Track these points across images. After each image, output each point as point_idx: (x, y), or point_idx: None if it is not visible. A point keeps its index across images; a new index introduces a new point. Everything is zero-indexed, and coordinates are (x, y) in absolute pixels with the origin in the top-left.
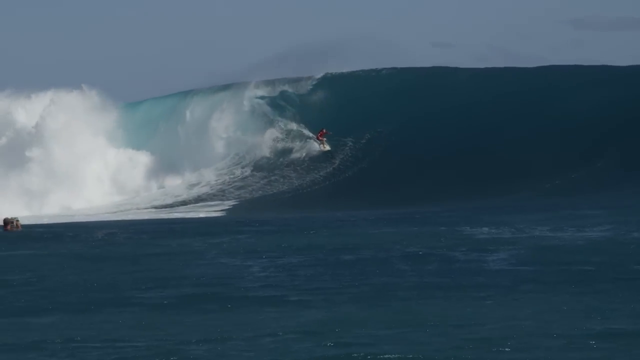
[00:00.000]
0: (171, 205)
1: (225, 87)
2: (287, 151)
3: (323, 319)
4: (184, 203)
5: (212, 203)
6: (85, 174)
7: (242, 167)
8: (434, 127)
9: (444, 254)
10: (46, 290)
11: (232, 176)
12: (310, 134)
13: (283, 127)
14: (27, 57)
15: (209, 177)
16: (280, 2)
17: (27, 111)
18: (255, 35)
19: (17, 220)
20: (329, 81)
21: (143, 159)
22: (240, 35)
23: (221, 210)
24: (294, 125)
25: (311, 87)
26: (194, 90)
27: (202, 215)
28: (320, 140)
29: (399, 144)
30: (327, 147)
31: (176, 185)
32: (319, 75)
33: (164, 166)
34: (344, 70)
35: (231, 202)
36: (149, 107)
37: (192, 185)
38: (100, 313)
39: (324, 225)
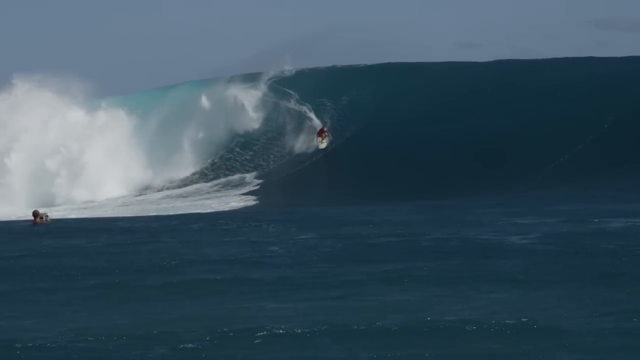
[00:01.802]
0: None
1: (231, 79)
2: (291, 144)
3: None
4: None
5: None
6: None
7: (244, 162)
8: (440, 122)
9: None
10: None
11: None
12: (318, 124)
13: (287, 119)
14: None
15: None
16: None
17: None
18: (260, 27)
19: (47, 216)
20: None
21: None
22: (245, 26)
23: (252, 199)
24: (298, 118)
25: (318, 78)
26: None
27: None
28: (319, 137)
29: (406, 138)
30: (324, 145)
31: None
32: (324, 65)
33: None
34: (352, 64)
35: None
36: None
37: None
38: None
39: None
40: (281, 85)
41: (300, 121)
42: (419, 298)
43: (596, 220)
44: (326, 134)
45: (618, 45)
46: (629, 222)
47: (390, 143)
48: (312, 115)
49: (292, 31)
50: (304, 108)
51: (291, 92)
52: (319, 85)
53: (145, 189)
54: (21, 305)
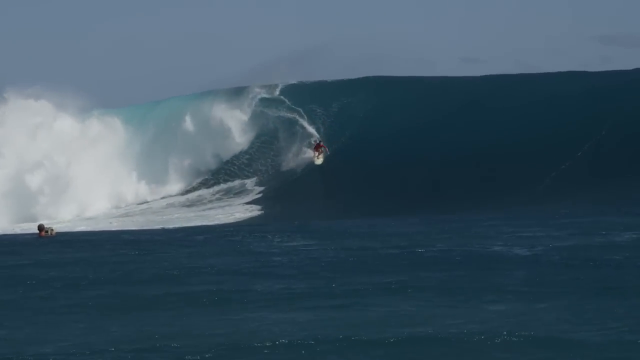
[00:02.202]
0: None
1: (230, 91)
2: (291, 157)
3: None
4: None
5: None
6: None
7: (246, 174)
8: (441, 133)
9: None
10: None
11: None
12: (316, 138)
13: (288, 132)
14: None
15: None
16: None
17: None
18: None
19: (52, 229)
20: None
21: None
22: (252, 37)
23: (256, 210)
24: (298, 130)
25: (323, 90)
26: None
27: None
28: (316, 152)
29: (406, 150)
30: (320, 161)
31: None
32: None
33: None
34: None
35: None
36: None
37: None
38: None
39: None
40: (280, 96)
41: (298, 131)
42: (422, 309)
43: (603, 233)
44: (322, 148)
45: (622, 60)
46: (634, 234)
47: (390, 155)
48: (310, 129)
49: (294, 43)
50: (302, 120)
51: (289, 103)
52: (319, 97)
53: (142, 201)
54: (21, 315)
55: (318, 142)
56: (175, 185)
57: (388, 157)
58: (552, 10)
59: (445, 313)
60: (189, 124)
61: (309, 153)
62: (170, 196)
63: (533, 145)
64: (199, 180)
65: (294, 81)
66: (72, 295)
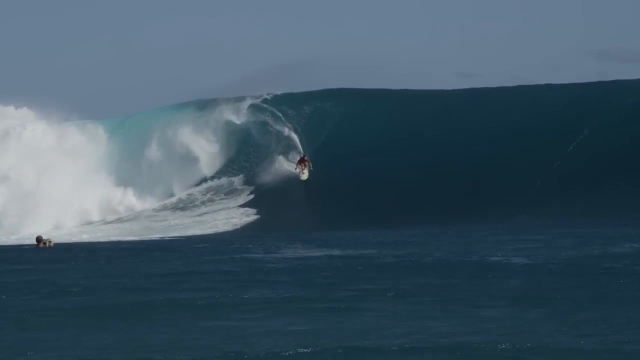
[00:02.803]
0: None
1: (209, 103)
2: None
3: None
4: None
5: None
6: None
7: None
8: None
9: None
10: None
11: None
12: (301, 152)
13: (273, 141)
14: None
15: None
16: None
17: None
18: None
19: (50, 241)
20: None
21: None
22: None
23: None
24: (282, 140)
25: (308, 101)
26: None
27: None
28: (299, 166)
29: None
30: (305, 176)
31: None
32: (316, 89)
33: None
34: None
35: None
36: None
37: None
38: None
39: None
40: (269, 107)
41: (284, 142)
42: (418, 316)
43: (601, 242)
44: (306, 163)
45: (618, 75)
46: (634, 246)
47: (379, 166)
48: (295, 141)
49: (288, 54)
50: (289, 132)
51: (277, 114)
52: (305, 107)
53: (129, 209)
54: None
55: (302, 156)
56: (160, 194)
57: (377, 168)
58: (548, 25)
59: (441, 321)
60: (169, 135)
61: (292, 165)
62: (160, 205)
63: (519, 156)
64: (185, 189)
65: (278, 93)
66: (63, 302)
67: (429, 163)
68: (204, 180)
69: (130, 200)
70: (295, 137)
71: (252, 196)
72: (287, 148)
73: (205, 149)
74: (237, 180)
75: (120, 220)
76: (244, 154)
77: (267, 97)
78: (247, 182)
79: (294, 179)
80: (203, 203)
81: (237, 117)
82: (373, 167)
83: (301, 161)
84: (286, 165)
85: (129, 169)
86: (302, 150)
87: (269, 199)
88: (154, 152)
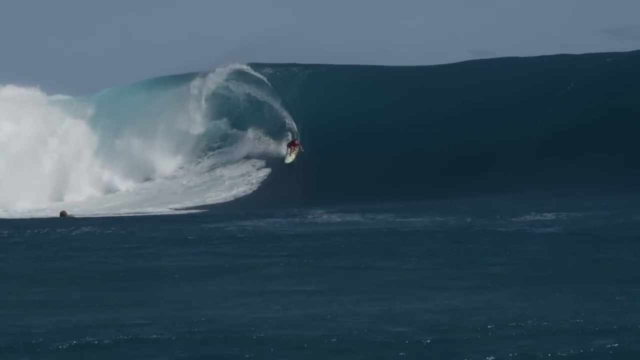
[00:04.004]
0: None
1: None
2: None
3: None
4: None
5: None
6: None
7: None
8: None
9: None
10: None
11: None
12: (292, 135)
13: (257, 116)
14: None
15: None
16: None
17: None
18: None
19: (73, 216)
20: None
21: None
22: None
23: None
24: (267, 114)
25: (296, 75)
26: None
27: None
28: (289, 149)
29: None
30: (291, 159)
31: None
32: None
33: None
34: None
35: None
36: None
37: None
38: None
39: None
40: (254, 77)
41: (266, 115)
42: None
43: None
44: (297, 147)
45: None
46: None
47: (377, 143)
48: (285, 117)
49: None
50: (278, 106)
51: (266, 87)
52: (300, 82)
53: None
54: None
55: (293, 139)
56: (142, 173)
57: (371, 146)
58: (559, 3)
59: (452, 280)
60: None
61: (273, 141)
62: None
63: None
64: (179, 163)
65: (271, 66)
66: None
67: (409, 140)
68: (192, 155)
69: (112, 179)
70: (284, 112)
71: (239, 171)
72: (274, 122)
73: (190, 122)
74: (221, 155)
75: (108, 199)
76: (226, 127)
77: (249, 68)
78: (232, 158)
79: (282, 156)
80: (191, 178)
81: (214, 88)
82: (365, 146)
83: (291, 144)
84: (271, 141)
85: (108, 148)
86: (294, 134)
87: (258, 173)
88: (131, 130)
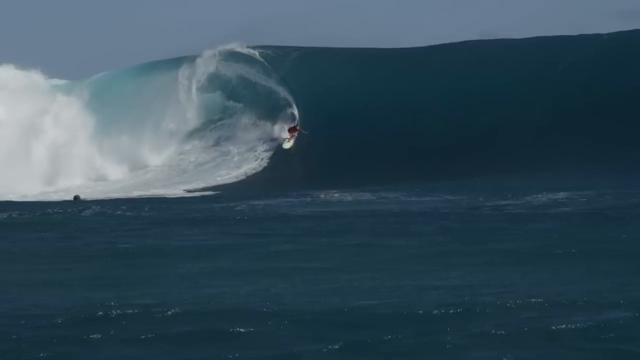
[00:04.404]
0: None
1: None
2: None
3: None
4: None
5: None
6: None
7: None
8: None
9: None
10: None
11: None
12: (293, 120)
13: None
14: None
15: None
16: None
17: None
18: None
19: (86, 199)
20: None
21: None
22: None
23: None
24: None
25: (291, 58)
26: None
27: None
28: (289, 134)
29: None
30: (289, 145)
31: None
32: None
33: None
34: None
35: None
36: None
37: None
38: None
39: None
40: (256, 60)
41: (273, 99)
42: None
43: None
44: (297, 133)
45: None
46: None
47: (388, 124)
48: (286, 100)
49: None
50: (280, 88)
51: (267, 70)
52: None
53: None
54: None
55: (294, 124)
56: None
57: (382, 126)
58: None
59: (462, 257)
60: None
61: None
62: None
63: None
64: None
65: (267, 48)
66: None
67: (421, 121)
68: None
69: (108, 166)
70: (286, 94)
71: (240, 153)
72: (274, 104)
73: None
74: (222, 137)
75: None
76: (223, 100)
77: (250, 50)
78: (232, 139)
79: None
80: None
81: (214, 69)
82: (369, 129)
83: (292, 129)
84: (270, 122)
85: (104, 133)
86: (295, 119)
87: (265, 146)
88: (129, 114)
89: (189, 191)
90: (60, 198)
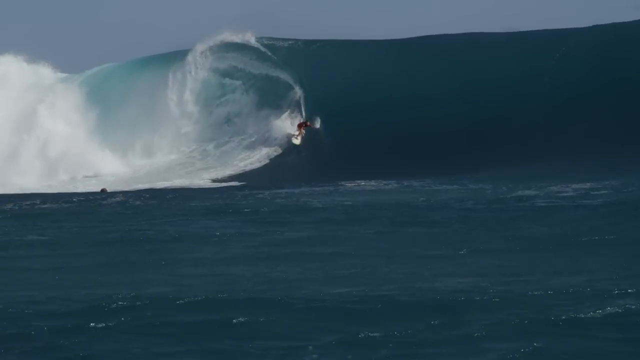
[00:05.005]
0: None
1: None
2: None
3: None
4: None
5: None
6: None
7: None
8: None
9: None
10: None
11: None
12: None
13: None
14: None
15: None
16: None
17: None
18: None
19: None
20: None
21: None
22: None
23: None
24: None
25: (292, 50)
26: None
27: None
28: (298, 130)
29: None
30: (298, 141)
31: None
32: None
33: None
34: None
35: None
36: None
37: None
38: None
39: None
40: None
41: (280, 92)
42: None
43: None
44: (304, 128)
45: None
46: None
47: (412, 114)
48: (293, 94)
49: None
50: (292, 84)
51: (275, 62)
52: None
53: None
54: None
55: (303, 120)
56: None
57: (406, 116)
58: None
59: (482, 244)
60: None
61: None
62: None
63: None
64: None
65: (275, 39)
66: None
67: (445, 112)
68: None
69: (110, 160)
70: (293, 86)
71: (244, 147)
72: (281, 98)
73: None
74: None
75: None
76: (229, 104)
77: (256, 41)
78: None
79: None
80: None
81: (216, 63)
82: (374, 121)
83: (300, 125)
84: (275, 115)
85: (104, 127)
86: (303, 116)
87: (265, 149)
88: (129, 108)
89: (213, 181)
90: (85, 190)
